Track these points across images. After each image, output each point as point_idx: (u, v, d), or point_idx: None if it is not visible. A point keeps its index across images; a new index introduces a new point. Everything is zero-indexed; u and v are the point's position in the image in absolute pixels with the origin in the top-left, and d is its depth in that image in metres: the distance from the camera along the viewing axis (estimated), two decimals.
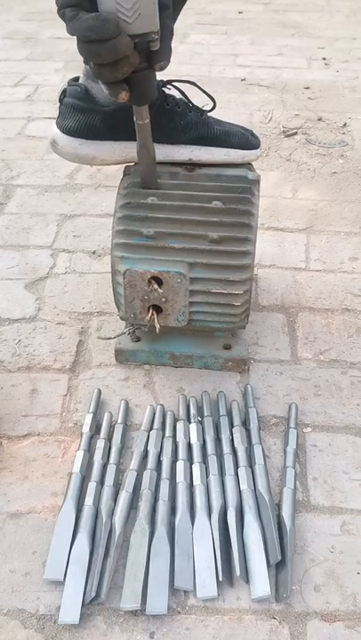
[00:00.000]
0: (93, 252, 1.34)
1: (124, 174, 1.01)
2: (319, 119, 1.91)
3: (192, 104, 0.99)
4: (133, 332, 1.06)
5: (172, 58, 0.80)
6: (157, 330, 0.98)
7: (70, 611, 0.73)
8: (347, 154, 1.74)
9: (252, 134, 1.04)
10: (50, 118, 1.90)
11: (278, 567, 0.78)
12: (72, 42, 0.73)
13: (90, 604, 0.74)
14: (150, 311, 0.97)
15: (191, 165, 1.01)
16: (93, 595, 0.74)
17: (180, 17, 0.99)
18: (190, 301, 0.97)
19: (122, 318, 1.04)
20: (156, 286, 0.95)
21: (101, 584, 0.75)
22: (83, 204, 1.50)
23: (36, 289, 1.23)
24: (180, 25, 0.93)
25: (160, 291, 0.95)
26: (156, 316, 0.98)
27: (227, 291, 0.96)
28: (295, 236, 1.39)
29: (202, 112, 1.00)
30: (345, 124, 1.90)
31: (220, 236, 0.95)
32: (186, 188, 0.98)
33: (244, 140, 1.02)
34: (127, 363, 1.07)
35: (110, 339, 1.08)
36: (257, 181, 1.00)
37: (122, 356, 1.07)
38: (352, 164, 1.69)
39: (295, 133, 1.83)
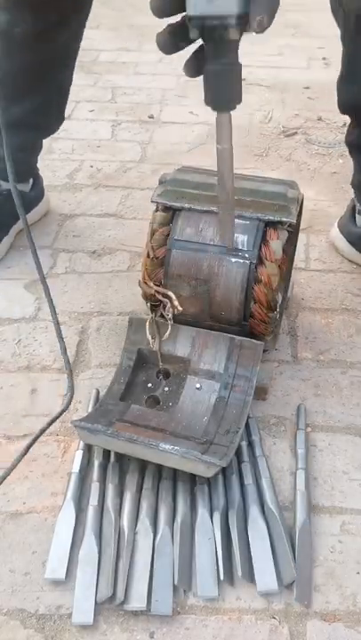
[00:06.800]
0: (93, 252, 1.34)
1: (160, 182, 1.00)
2: (319, 119, 1.91)
3: None
4: None
5: (172, 58, 0.73)
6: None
7: (83, 611, 0.73)
8: (347, 154, 1.74)
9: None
10: None
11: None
12: None
13: (103, 604, 0.74)
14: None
15: None
16: (110, 594, 0.74)
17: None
18: None
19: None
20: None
21: (116, 583, 0.75)
22: (83, 203, 1.50)
23: (35, 289, 1.23)
24: None
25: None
26: None
27: None
28: None
29: None
30: (345, 124, 1.89)
31: None
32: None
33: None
34: None
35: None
36: (296, 200, 0.95)
37: None
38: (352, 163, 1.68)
39: (295, 133, 1.83)
